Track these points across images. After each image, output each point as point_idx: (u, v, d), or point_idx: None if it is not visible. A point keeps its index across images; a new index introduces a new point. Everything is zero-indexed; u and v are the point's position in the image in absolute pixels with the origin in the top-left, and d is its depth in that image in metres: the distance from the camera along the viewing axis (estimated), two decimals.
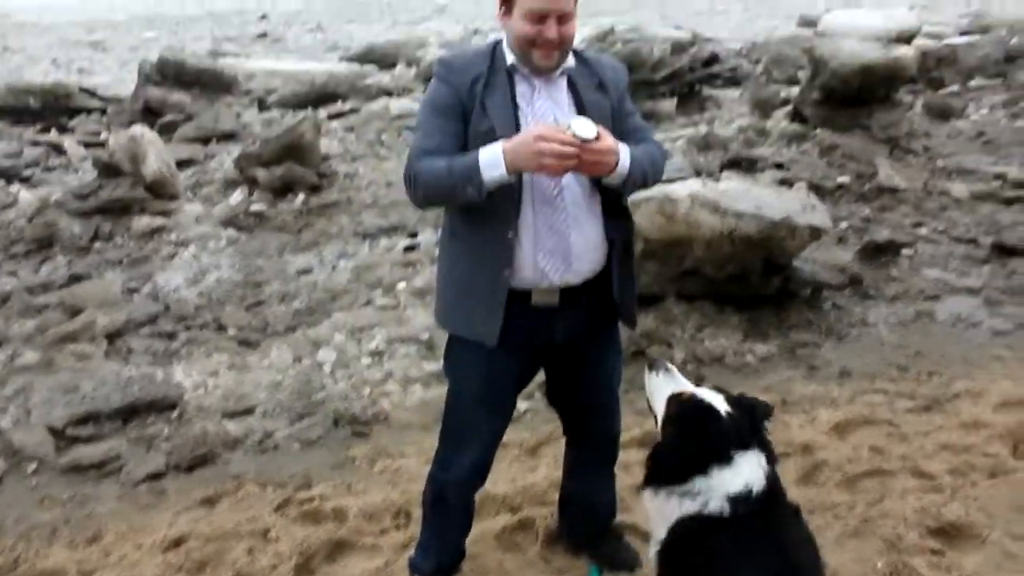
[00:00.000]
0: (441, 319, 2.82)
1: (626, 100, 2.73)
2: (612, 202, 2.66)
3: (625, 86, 2.73)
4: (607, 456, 3.09)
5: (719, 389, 2.52)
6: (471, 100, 2.51)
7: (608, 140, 2.42)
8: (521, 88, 2.56)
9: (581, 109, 2.56)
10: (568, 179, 2.53)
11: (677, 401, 2.46)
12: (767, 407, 2.49)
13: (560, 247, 2.56)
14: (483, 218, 2.56)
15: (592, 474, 3.10)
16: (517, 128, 2.48)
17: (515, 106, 2.53)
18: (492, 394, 2.76)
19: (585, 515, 3.20)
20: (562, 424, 3.09)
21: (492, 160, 2.38)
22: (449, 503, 2.92)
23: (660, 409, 2.51)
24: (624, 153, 2.49)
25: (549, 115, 2.54)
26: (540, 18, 2.43)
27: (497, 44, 2.61)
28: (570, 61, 2.60)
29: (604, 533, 3.22)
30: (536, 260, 2.56)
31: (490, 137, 2.45)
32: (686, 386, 2.52)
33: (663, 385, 2.54)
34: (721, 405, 2.40)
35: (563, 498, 3.26)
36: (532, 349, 2.73)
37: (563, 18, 2.45)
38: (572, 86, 2.60)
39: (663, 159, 2.74)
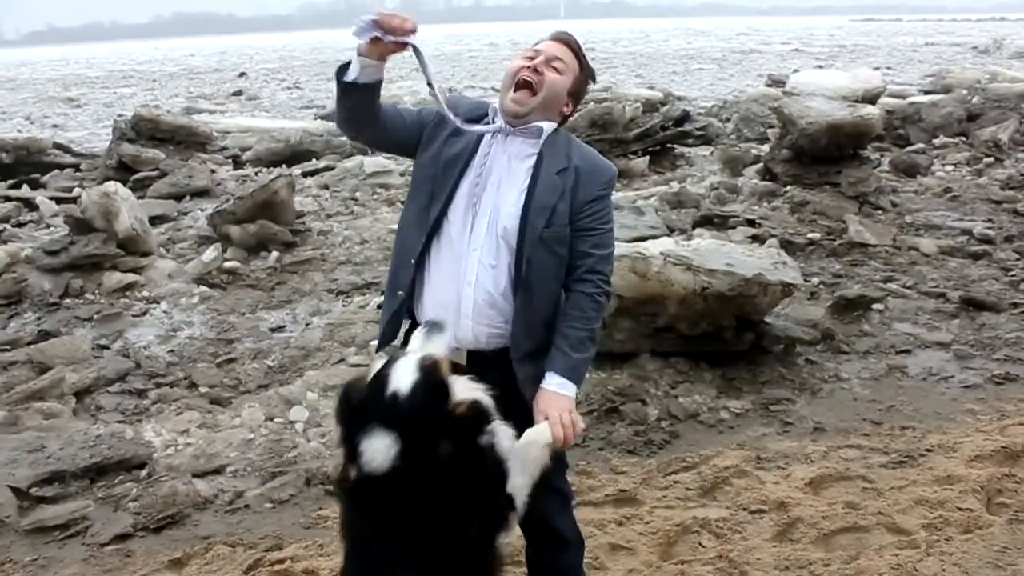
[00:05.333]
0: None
1: (595, 205, 2.60)
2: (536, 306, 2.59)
3: (601, 188, 2.62)
4: (544, 539, 2.86)
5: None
6: (440, 127, 2.61)
7: (557, 430, 2.42)
8: (485, 147, 2.60)
9: (533, 184, 2.55)
10: (481, 226, 2.55)
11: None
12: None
13: (451, 301, 2.57)
14: (403, 245, 2.68)
15: (538, 554, 2.93)
16: (467, 163, 2.58)
17: (476, 144, 2.60)
18: None
19: None
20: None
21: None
22: None
23: None
24: (563, 387, 2.51)
25: (495, 173, 2.57)
26: (532, 54, 2.59)
27: (490, 108, 2.67)
28: (547, 127, 2.59)
29: None
30: (433, 306, 2.60)
31: (438, 163, 2.59)
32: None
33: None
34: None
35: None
36: None
37: (550, 62, 2.57)
38: (540, 162, 2.57)
39: (597, 312, 2.60)
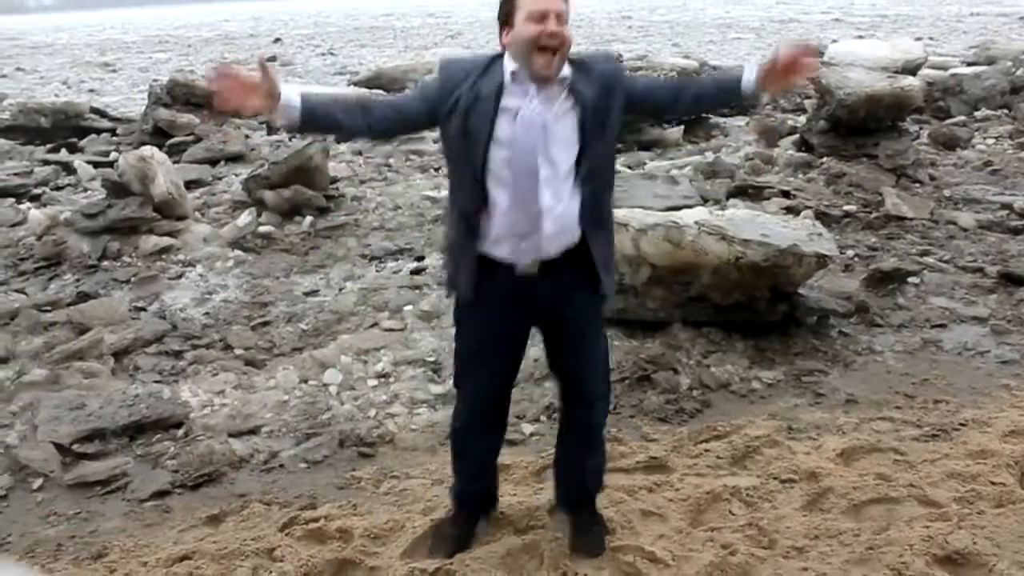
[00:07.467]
0: (445, 284, 3.17)
1: (633, 82, 3.00)
2: (590, 198, 2.90)
3: (622, 72, 2.97)
4: (589, 422, 3.26)
5: None
6: (453, 104, 2.78)
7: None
8: (511, 100, 2.78)
9: (584, 109, 2.80)
10: (547, 172, 2.80)
11: None
12: None
13: (532, 236, 2.85)
14: (460, 195, 2.93)
15: (576, 439, 3.30)
16: (490, 135, 2.77)
17: (495, 114, 2.77)
18: (486, 347, 3.08)
19: (569, 479, 3.42)
20: (561, 398, 3.33)
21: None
22: (457, 449, 3.36)
23: None
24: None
25: (538, 120, 2.77)
26: (541, 17, 2.69)
27: (498, 57, 2.85)
28: (566, 70, 2.80)
29: (583, 504, 3.41)
30: (511, 242, 2.87)
31: (463, 138, 2.79)
32: None
33: None
34: None
35: (555, 462, 3.49)
36: (517, 309, 3.01)
37: (560, 18, 2.71)
38: (572, 91, 2.81)
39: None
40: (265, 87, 2.62)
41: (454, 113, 2.78)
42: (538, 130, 2.77)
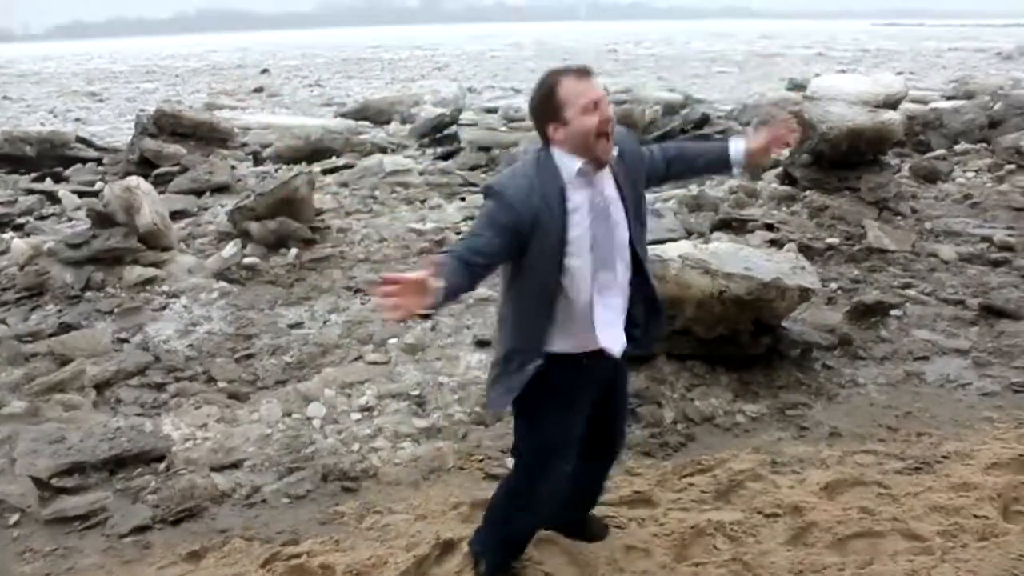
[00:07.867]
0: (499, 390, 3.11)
1: (648, 152, 3.14)
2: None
3: (642, 152, 3.09)
4: (617, 452, 3.48)
5: None
6: (531, 226, 2.74)
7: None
8: (576, 196, 2.80)
9: (624, 196, 2.90)
10: (620, 254, 2.91)
11: None
12: None
13: (619, 319, 3.01)
14: (530, 299, 2.90)
15: (601, 472, 3.48)
16: (564, 239, 2.78)
17: (566, 215, 2.78)
18: (561, 441, 3.09)
19: (589, 496, 3.57)
20: (589, 439, 3.27)
21: None
22: (522, 526, 3.32)
23: None
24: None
25: (607, 208, 2.85)
26: (595, 106, 2.73)
27: (542, 154, 2.84)
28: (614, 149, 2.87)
29: (583, 519, 3.63)
30: (598, 330, 2.93)
31: (541, 250, 2.77)
32: None
33: None
34: None
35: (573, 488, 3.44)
36: (585, 392, 3.07)
37: (606, 101, 2.78)
38: (615, 179, 2.90)
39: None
40: (429, 288, 2.52)
41: (533, 233, 2.76)
42: (607, 216, 2.86)
